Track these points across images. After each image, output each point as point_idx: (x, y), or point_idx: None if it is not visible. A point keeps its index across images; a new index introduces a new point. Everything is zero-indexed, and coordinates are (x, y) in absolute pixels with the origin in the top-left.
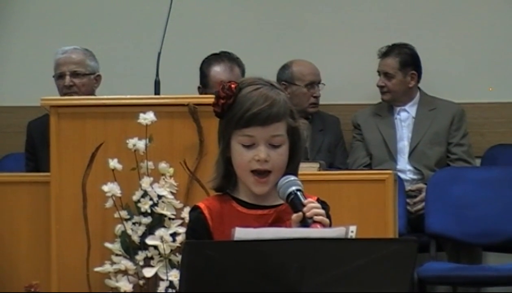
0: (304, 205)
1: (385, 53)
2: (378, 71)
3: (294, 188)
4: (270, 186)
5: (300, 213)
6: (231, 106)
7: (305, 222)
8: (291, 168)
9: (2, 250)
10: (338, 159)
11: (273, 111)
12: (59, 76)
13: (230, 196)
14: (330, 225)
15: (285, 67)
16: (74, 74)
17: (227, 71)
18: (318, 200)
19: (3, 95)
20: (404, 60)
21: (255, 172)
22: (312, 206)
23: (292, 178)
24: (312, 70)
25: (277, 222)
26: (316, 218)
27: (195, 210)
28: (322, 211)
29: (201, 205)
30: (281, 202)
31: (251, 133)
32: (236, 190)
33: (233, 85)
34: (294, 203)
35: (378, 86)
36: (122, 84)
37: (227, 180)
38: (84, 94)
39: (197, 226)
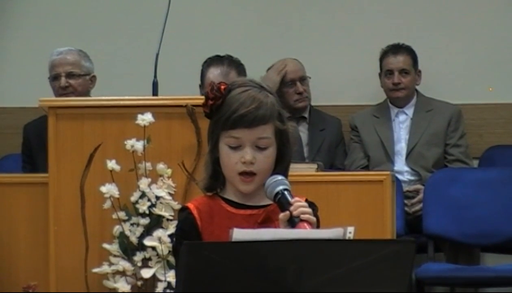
0: (291, 204)
1: (395, 51)
2: (389, 70)
3: (281, 187)
4: (256, 186)
5: (287, 212)
6: (219, 107)
7: (292, 221)
8: (279, 170)
9: (1, 251)
10: (338, 159)
11: (259, 113)
12: (54, 78)
13: (219, 196)
14: (318, 226)
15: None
16: (70, 75)
17: (222, 76)
18: (307, 201)
19: (1, 96)
20: (415, 58)
21: (241, 174)
22: (298, 205)
23: (280, 177)
24: (291, 68)
25: (266, 222)
26: (303, 216)
27: (184, 210)
28: (309, 210)
29: (190, 205)
30: (270, 202)
31: (238, 135)
32: (225, 190)
33: (222, 87)
34: (281, 202)
35: (393, 83)
36: (120, 85)
37: (215, 180)
38: (80, 95)
39: (186, 226)
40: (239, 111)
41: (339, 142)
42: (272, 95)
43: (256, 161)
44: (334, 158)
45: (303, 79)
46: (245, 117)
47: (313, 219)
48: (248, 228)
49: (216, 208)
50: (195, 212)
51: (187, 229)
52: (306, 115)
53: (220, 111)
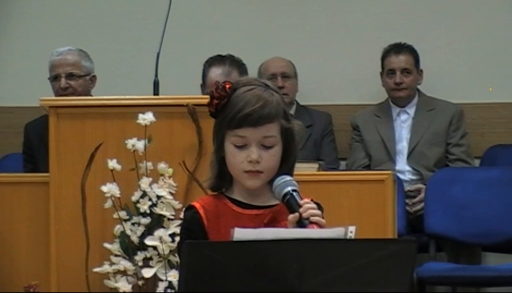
0: (300, 206)
1: (397, 50)
2: (391, 69)
3: (290, 188)
4: (262, 182)
5: (297, 214)
6: (225, 107)
7: (301, 223)
8: (285, 169)
9: (2, 250)
10: (324, 151)
11: (264, 112)
12: (55, 78)
13: (225, 195)
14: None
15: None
16: (70, 75)
17: (224, 75)
18: (312, 201)
19: (2, 96)
20: (417, 57)
21: (247, 172)
22: (308, 207)
23: (288, 178)
24: (275, 63)
25: (273, 222)
26: (313, 218)
27: (190, 209)
28: (318, 212)
29: (196, 205)
30: (276, 202)
31: (243, 134)
32: (231, 189)
33: (227, 86)
34: (290, 203)
35: (395, 83)
36: (121, 85)
37: (222, 179)
38: (80, 95)
39: (192, 225)
40: (245, 110)
41: (325, 134)
42: (277, 94)
43: (262, 160)
44: (319, 151)
45: (285, 75)
46: (250, 116)
47: (323, 221)
48: (254, 228)
49: (222, 208)
50: (201, 211)
51: (193, 228)
52: (292, 112)
53: (225, 110)
